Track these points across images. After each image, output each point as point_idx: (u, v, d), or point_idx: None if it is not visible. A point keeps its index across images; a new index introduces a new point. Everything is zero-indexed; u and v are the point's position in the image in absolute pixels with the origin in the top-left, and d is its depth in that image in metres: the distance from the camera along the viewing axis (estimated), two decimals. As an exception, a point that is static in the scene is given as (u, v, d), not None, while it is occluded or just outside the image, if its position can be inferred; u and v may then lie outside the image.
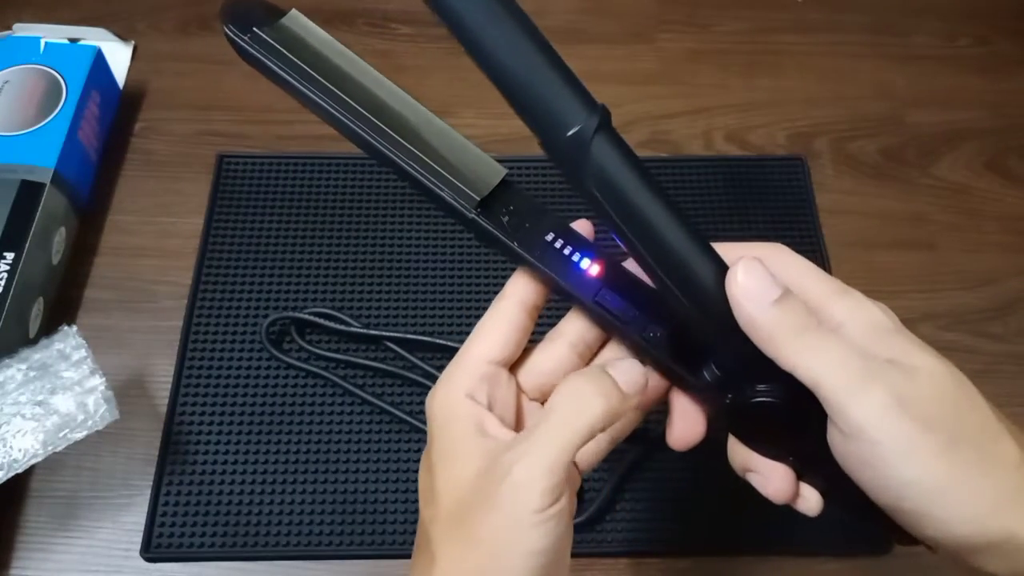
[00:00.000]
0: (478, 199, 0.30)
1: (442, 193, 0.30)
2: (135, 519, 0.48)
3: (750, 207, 0.60)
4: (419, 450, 0.50)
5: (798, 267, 0.30)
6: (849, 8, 0.72)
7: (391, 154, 0.30)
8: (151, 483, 0.49)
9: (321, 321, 0.53)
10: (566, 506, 0.27)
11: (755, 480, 0.31)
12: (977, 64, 0.69)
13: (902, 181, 0.63)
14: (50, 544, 0.48)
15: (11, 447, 0.43)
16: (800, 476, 0.31)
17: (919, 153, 0.64)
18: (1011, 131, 0.65)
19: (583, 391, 0.28)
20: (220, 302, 0.55)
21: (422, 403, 0.51)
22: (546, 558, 0.27)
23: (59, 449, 0.43)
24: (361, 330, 0.53)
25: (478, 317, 0.54)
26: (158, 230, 0.59)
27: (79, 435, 0.44)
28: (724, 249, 0.29)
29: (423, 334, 0.53)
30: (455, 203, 0.30)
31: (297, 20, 0.30)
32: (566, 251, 0.31)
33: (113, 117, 0.63)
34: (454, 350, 0.52)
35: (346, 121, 0.29)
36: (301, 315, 0.53)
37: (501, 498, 0.27)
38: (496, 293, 0.55)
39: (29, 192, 0.53)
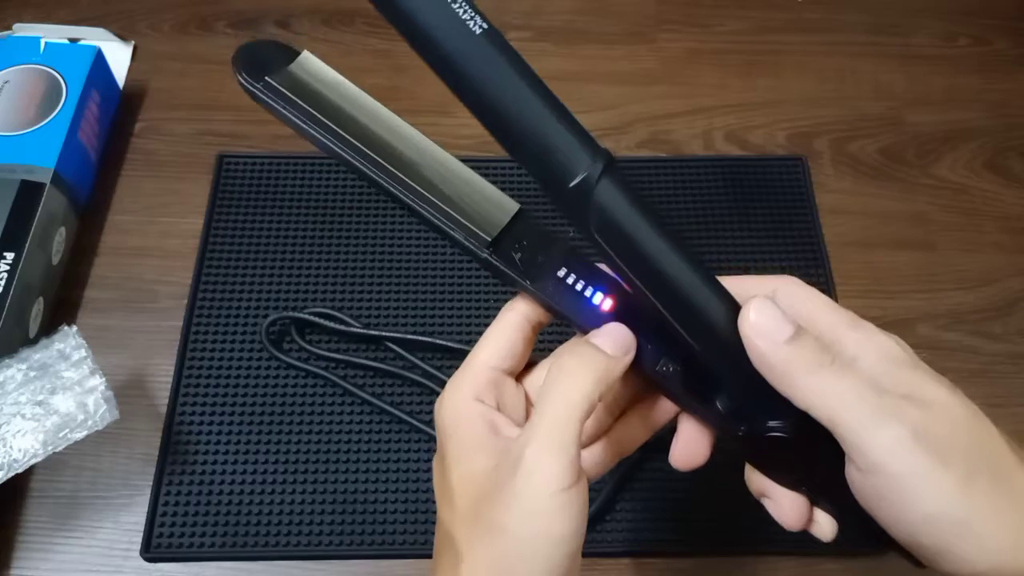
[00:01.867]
0: (489, 239, 0.30)
1: (454, 234, 0.30)
2: (135, 519, 0.48)
3: (750, 207, 0.60)
4: (419, 450, 0.50)
5: (809, 299, 0.30)
6: (849, 8, 0.72)
7: (404, 196, 0.30)
8: (151, 483, 0.49)
9: (321, 321, 0.53)
10: (585, 489, 0.28)
11: (769, 506, 0.31)
12: (976, 64, 0.69)
13: (902, 181, 0.63)
14: (50, 544, 0.48)
15: (11, 447, 0.43)
16: (814, 502, 0.31)
17: (919, 153, 0.64)
18: (1011, 131, 0.65)
19: (571, 364, 0.29)
20: (220, 302, 0.55)
21: (422, 403, 0.52)
22: (570, 545, 0.27)
23: (59, 449, 0.43)
24: (361, 330, 0.53)
25: (479, 317, 0.55)
26: (158, 230, 0.59)
27: (79, 435, 0.44)
28: (734, 282, 0.30)
29: (423, 334, 0.53)
30: (467, 243, 0.30)
31: (309, 63, 0.31)
32: (578, 286, 0.31)
33: (113, 117, 0.63)
34: (454, 350, 0.53)
35: (359, 166, 0.29)
36: (301, 315, 0.53)
37: (518, 486, 0.27)
38: (496, 294, 0.55)
39: (29, 192, 0.53)
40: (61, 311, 0.55)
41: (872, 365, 0.28)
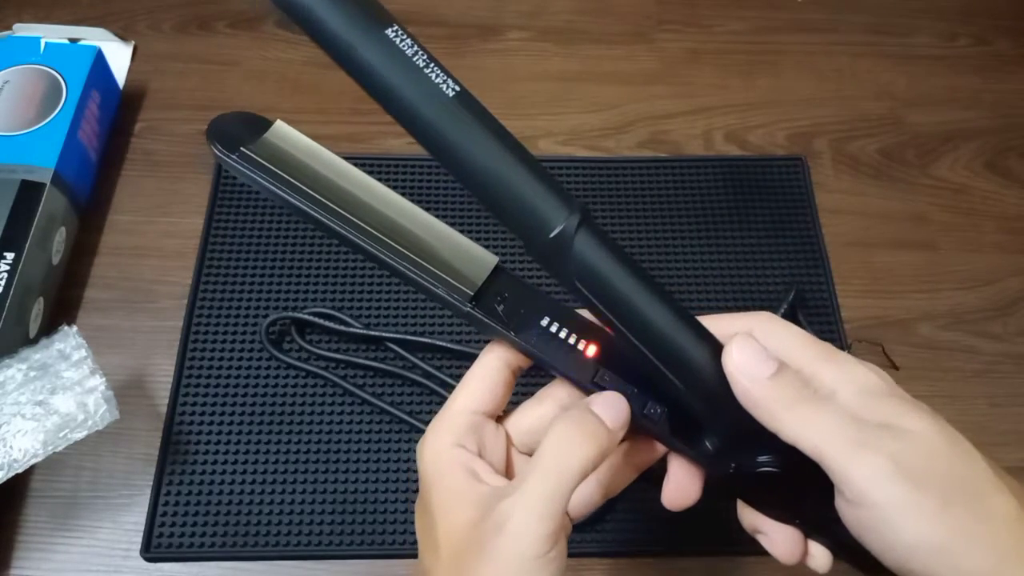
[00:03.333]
0: (471, 294, 0.31)
1: (437, 290, 0.30)
2: (135, 519, 0.48)
3: (750, 207, 0.60)
4: (419, 450, 0.50)
5: (786, 334, 0.30)
6: (849, 8, 0.72)
7: (384, 257, 0.30)
8: (151, 483, 0.49)
9: (321, 321, 0.53)
10: (565, 546, 0.28)
11: (764, 541, 0.32)
12: (977, 64, 0.69)
13: (902, 181, 0.63)
14: (50, 544, 0.48)
15: (11, 447, 0.43)
16: (808, 535, 0.32)
17: (919, 153, 0.64)
18: (1011, 131, 0.65)
19: (572, 436, 0.29)
20: (220, 302, 0.55)
21: (422, 403, 0.52)
22: None
23: (59, 449, 0.43)
24: (361, 331, 0.53)
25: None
26: (158, 230, 0.59)
27: (79, 435, 0.44)
28: (712, 321, 0.30)
29: (423, 334, 0.53)
30: (450, 298, 0.31)
31: (282, 131, 0.31)
32: (562, 334, 0.31)
33: (113, 117, 0.63)
34: (455, 351, 0.53)
35: (339, 229, 0.30)
36: (301, 315, 0.53)
37: (501, 547, 0.27)
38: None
39: (29, 192, 0.53)
40: (61, 311, 0.55)
41: (851, 397, 0.28)
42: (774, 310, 0.54)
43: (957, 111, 0.66)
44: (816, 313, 0.56)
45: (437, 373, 0.52)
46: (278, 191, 0.29)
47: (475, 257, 0.32)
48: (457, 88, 0.25)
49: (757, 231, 0.59)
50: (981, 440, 0.56)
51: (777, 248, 0.58)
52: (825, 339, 0.54)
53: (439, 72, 0.25)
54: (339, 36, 0.24)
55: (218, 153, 0.29)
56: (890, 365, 0.55)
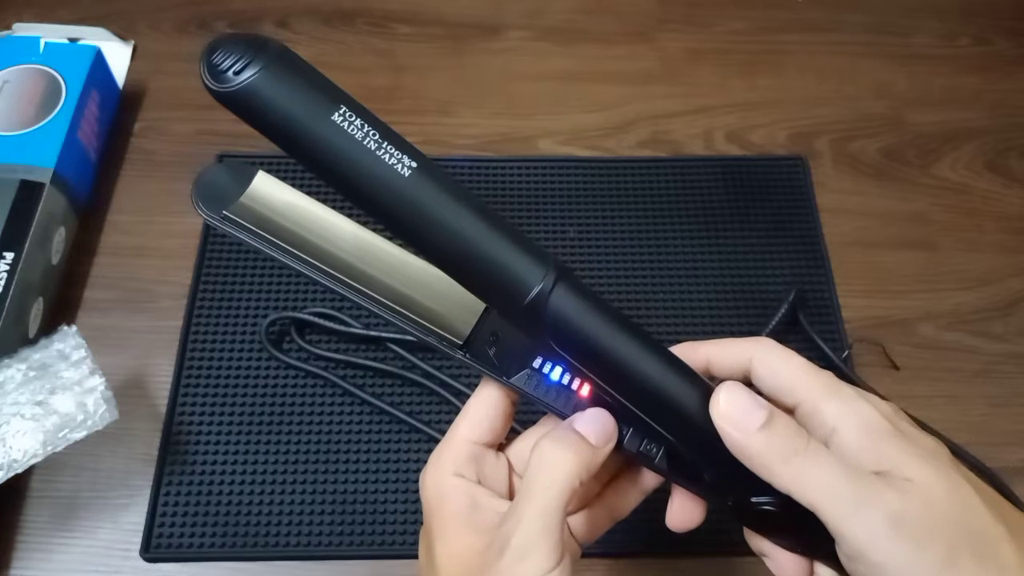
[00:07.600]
0: (460, 342, 0.31)
1: (427, 339, 0.30)
2: (135, 519, 0.48)
3: (750, 207, 0.60)
4: (419, 450, 0.50)
5: (786, 365, 0.30)
6: (849, 8, 0.72)
7: (371, 307, 0.30)
8: (151, 483, 0.49)
9: (321, 321, 0.53)
10: (569, 565, 0.28)
11: (769, 564, 0.32)
12: (977, 64, 0.69)
13: (902, 181, 0.63)
14: (50, 544, 0.48)
15: (11, 447, 0.43)
16: (812, 558, 0.31)
17: (919, 153, 0.64)
18: (1011, 131, 0.65)
19: (555, 452, 0.29)
20: (220, 302, 0.55)
21: (422, 403, 0.52)
22: None
23: (59, 449, 0.43)
24: (361, 331, 0.53)
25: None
26: (158, 230, 0.58)
27: (79, 435, 0.44)
28: (709, 347, 0.30)
29: (423, 334, 0.53)
30: (440, 347, 0.30)
31: (263, 187, 0.30)
32: (554, 375, 0.31)
33: (113, 117, 0.63)
34: (454, 351, 0.52)
35: (325, 283, 0.29)
36: (301, 315, 0.53)
37: (505, 569, 0.27)
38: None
39: (29, 192, 0.53)
40: (61, 311, 0.55)
41: (851, 439, 0.27)
42: (774, 310, 0.54)
43: (957, 111, 0.66)
44: (817, 313, 0.56)
45: (437, 373, 0.52)
46: (264, 249, 0.29)
47: (466, 300, 0.31)
48: (414, 164, 0.24)
49: (758, 231, 0.59)
50: (981, 440, 0.56)
51: (777, 248, 0.58)
52: (826, 340, 0.55)
53: (393, 151, 0.24)
54: (283, 127, 0.23)
55: (203, 215, 0.29)
56: (891, 365, 0.55)
